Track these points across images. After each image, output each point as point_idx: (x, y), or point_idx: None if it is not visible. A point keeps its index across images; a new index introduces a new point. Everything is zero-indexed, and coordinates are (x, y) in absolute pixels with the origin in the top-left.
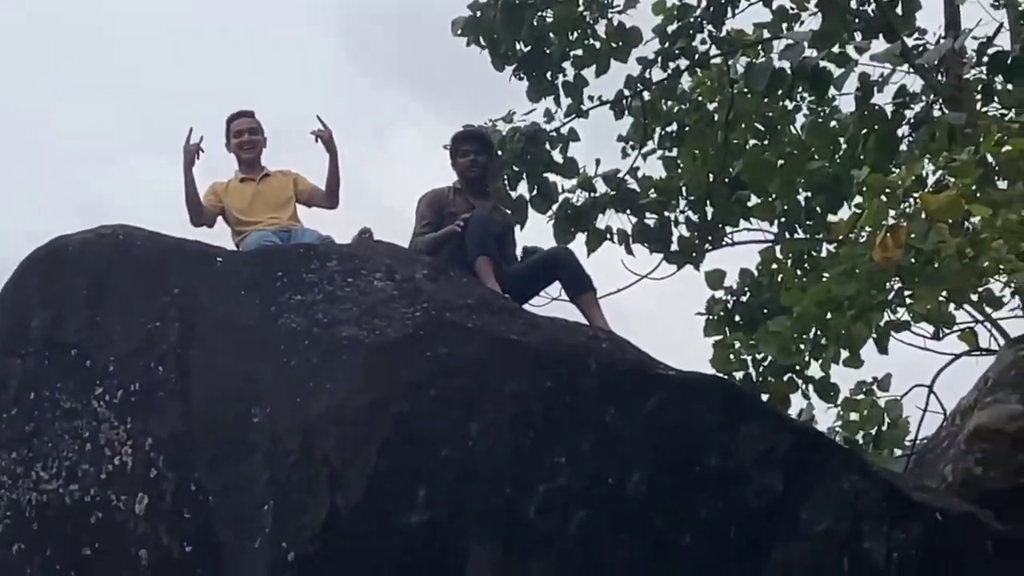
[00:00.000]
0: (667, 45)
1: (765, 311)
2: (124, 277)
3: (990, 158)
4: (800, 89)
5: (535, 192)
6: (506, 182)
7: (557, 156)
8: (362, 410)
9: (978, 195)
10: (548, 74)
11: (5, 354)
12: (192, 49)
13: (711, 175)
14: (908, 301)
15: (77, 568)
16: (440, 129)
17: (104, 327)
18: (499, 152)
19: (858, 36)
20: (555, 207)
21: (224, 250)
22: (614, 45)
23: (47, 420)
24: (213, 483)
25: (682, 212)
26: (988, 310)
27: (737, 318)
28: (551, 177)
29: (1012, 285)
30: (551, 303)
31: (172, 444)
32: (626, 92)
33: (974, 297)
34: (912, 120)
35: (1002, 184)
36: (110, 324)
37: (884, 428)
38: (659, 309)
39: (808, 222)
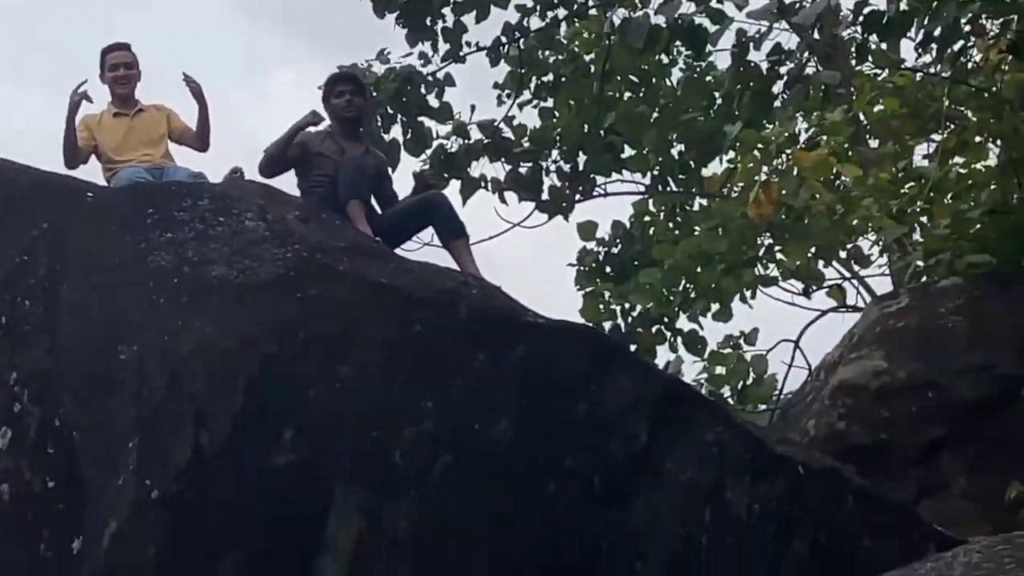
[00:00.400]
0: None
1: (636, 263)
2: None
3: (862, 117)
4: (677, 44)
5: (409, 136)
6: (379, 124)
7: (433, 100)
8: (230, 350)
9: (850, 153)
10: (428, 20)
11: None
12: None
13: (586, 126)
14: (778, 257)
15: None
16: (318, 72)
17: None
18: (373, 93)
19: None
20: (429, 152)
21: (95, 185)
22: None
23: None
24: (78, 419)
25: (555, 162)
26: (856, 267)
27: (608, 269)
28: (426, 122)
29: (880, 243)
30: (423, 248)
31: (38, 379)
32: (504, 40)
33: (843, 254)
34: (787, 77)
35: (874, 143)
36: None
37: (749, 382)
38: (531, 258)
39: (681, 175)
